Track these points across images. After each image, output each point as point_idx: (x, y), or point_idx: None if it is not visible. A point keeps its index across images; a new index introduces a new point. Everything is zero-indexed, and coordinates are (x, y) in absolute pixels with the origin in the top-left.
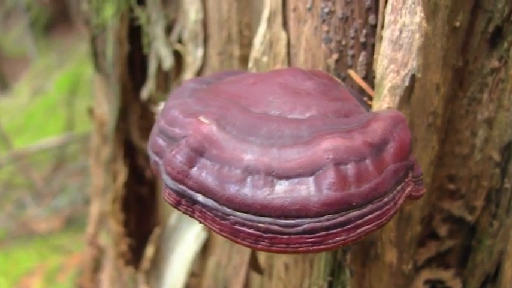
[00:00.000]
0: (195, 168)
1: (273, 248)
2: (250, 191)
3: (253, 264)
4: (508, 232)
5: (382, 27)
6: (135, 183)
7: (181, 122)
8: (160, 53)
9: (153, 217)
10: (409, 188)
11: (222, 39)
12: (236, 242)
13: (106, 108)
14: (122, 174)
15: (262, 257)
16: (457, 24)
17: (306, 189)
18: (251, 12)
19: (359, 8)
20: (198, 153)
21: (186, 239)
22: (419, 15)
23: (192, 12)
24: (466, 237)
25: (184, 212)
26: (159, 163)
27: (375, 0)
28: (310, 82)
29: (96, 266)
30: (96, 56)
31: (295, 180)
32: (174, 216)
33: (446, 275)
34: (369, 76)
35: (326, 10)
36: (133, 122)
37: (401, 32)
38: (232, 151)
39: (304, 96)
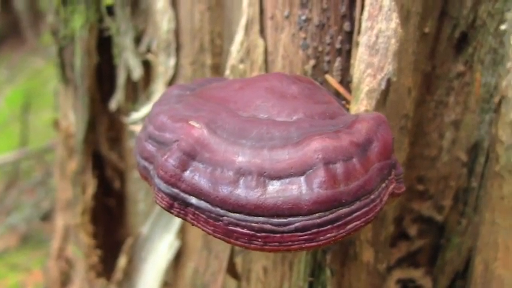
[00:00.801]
0: (187, 172)
1: (266, 247)
2: (244, 191)
3: (231, 270)
4: (476, 229)
5: (359, 33)
6: (103, 194)
7: (171, 127)
8: (129, 63)
9: (121, 228)
10: (392, 186)
11: (194, 48)
12: (229, 243)
13: (73, 120)
14: (91, 186)
15: (239, 262)
16: (426, 30)
17: (298, 189)
18: (223, 22)
19: (335, 16)
20: (190, 156)
21: (159, 248)
22: (395, 21)
23: (164, 22)
24: (435, 237)
25: (176, 215)
26: (148, 168)
27: (350, 8)
28: (295, 86)
29: (65, 280)
30: (63, 67)
31: (287, 180)
32: (147, 225)
33: (416, 274)
34: (344, 81)
35: (303, 17)
36: (101, 133)
37: (377, 37)
38: (224, 154)
39: (291, 100)
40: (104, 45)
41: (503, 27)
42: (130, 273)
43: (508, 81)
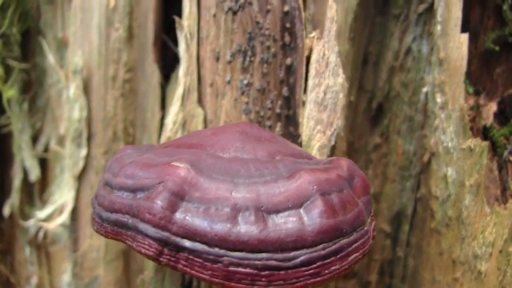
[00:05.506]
0: (178, 213)
1: (270, 287)
2: (244, 227)
3: None
4: None
5: (304, 92)
6: None
7: (148, 172)
8: (26, 164)
9: None
10: (373, 222)
11: (107, 137)
12: (229, 287)
13: None
14: None
15: None
16: (352, 98)
17: (299, 220)
18: (135, 109)
19: (274, 80)
20: (178, 196)
21: None
22: (341, 77)
23: (75, 110)
24: None
25: (165, 264)
26: (122, 220)
27: (287, 73)
28: (265, 132)
29: None
30: None
31: (286, 213)
32: None
33: None
34: None
35: (245, 82)
36: None
37: (325, 93)
38: (215, 191)
39: (267, 143)
40: None
41: (424, 89)
42: None
43: (438, 138)
